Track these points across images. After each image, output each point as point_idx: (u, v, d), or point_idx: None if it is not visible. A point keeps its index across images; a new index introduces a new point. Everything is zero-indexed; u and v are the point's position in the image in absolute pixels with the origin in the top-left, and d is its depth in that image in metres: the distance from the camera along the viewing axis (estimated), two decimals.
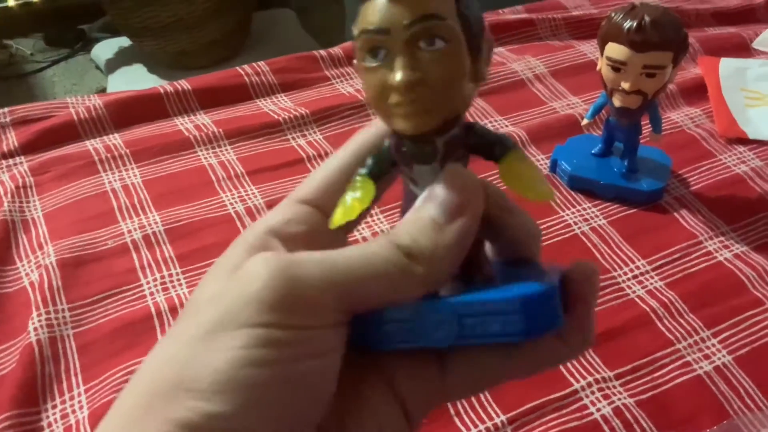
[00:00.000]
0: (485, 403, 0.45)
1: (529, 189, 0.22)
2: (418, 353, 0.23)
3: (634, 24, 0.52)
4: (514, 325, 0.21)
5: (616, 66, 0.54)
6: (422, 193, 0.23)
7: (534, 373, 0.23)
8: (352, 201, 0.24)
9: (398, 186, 0.25)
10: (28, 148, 0.66)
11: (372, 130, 0.26)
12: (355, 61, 0.23)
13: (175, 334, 0.21)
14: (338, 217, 0.24)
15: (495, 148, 0.23)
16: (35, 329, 0.48)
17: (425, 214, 0.22)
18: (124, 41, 1.78)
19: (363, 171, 0.24)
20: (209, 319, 0.20)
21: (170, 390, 0.19)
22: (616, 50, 0.53)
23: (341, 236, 0.25)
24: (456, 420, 0.44)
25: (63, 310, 0.50)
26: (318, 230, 0.24)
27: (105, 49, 1.83)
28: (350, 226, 0.26)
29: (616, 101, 0.56)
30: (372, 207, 0.24)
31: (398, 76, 0.21)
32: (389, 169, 0.24)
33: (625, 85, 0.54)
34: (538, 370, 0.23)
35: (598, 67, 0.56)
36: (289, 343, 0.20)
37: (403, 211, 0.24)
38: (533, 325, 0.21)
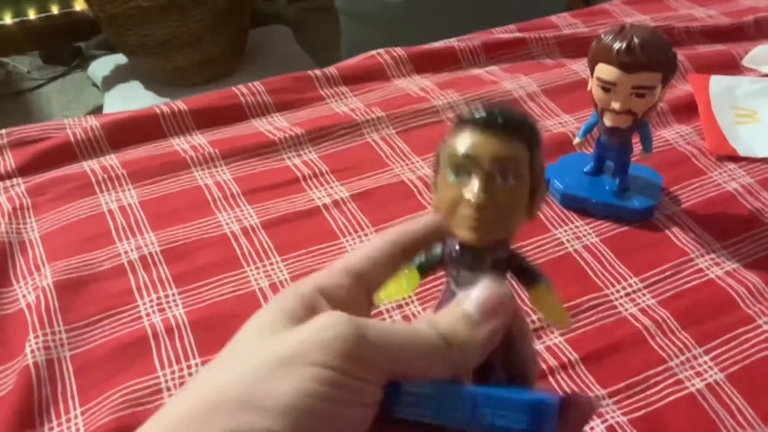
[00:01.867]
0: None
1: (552, 316, 0.29)
2: (426, 427, 0.27)
3: (624, 45, 0.53)
4: (519, 423, 0.24)
5: (606, 86, 0.54)
6: (461, 293, 0.27)
7: None
8: (400, 286, 0.29)
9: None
10: (25, 169, 0.66)
11: (419, 224, 0.30)
12: (431, 171, 0.29)
13: (240, 357, 0.24)
14: (384, 295, 0.29)
15: (529, 277, 0.29)
16: (32, 351, 0.49)
17: (467, 311, 0.26)
18: (120, 59, 1.79)
19: (413, 264, 0.29)
20: (282, 353, 0.23)
21: (236, 404, 0.22)
22: (605, 71, 0.54)
23: (366, 308, 0.30)
24: None
25: (60, 332, 0.51)
26: (354, 300, 0.28)
27: (101, 66, 1.84)
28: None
29: (607, 121, 0.56)
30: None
31: (476, 196, 0.26)
32: (435, 269, 0.29)
33: (615, 105, 0.54)
34: None
35: (588, 87, 0.57)
36: (346, 387, 0.23)
37: (440, 303, 0.29)
38: (535, 428, 0.24)
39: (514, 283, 0.29)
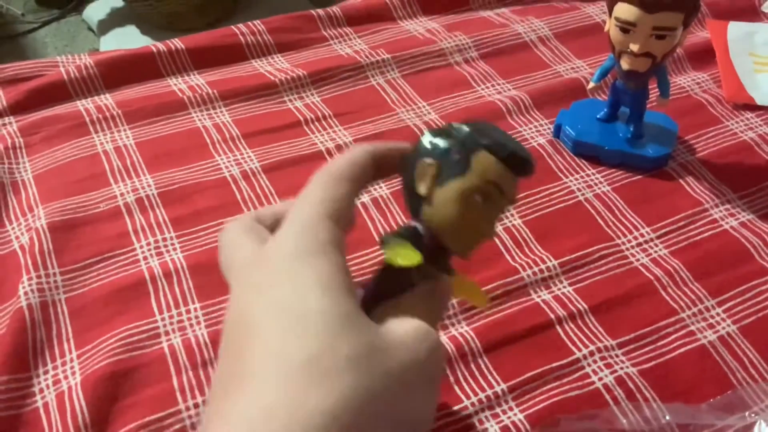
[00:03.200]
0: (485, 371, 0.44)
1: (472, 298, 0.34)
2: None
3: None
4: None
5: (625, 27, 0.52)
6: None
7: None
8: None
9: None
10: (17, 107, 0.64)
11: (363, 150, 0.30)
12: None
13: (268, 366, 0.23)
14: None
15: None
16: (26, 293, 0.47)
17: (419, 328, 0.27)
18: (116, 2, 1.74)
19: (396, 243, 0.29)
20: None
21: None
22: (625, 10, 0.51)
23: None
24: (456, 388, 0.43)
25: (54, 274, 0.49)
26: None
27: (97, 9, 1.79)
28: None
29: (624, 64, 0.54)
30: None
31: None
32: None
33: (634, 47, 0.52)
34: None
35: (606, 28, 0.54)
36: None
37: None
38: None
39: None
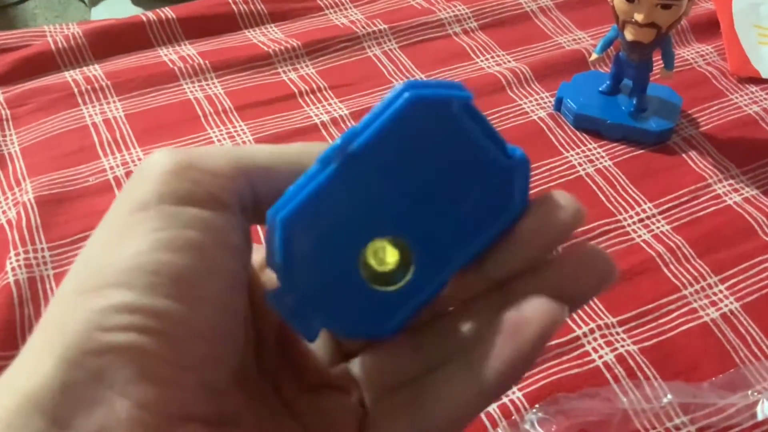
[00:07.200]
0: None
1: None
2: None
3: None
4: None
5: None
6: None
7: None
8: None
9: None
10: (3, 78, 0.62)
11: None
12: None
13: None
14: None
15: None
16: (13, 269, 0.46)
17: None
18: None
19: None
20: (105, 229, 0.19)
21: (93, 283, 0.17)
22: None
23: None
24: None
25: (42, 249, 0.48)
26: None
27: None
28: None
29: (628, 35, 0.52)
30: None
31: None
32: None
33: (639, 17, 0.50)
34: None
35: None
36: (201, 223, 0.18)
37: None
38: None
39: None
